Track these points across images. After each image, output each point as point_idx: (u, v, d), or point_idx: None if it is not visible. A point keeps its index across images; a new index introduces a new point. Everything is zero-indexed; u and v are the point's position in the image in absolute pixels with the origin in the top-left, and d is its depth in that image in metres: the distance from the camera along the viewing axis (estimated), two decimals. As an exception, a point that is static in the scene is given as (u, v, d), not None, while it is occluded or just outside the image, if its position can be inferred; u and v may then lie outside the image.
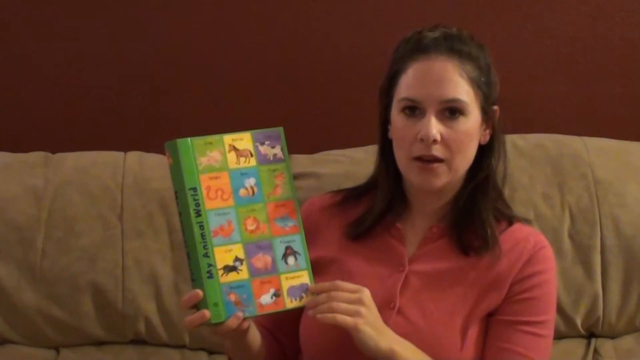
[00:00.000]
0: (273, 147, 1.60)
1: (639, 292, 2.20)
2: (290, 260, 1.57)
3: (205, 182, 1.53)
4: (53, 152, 2.30)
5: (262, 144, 1.59)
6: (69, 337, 2.17)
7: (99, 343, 2.19)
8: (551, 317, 1.68)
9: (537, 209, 2.19)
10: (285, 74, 2.48)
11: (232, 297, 1.52)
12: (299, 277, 1.57)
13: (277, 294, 1.54)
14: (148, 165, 2.24)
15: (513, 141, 2.26)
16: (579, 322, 2.20)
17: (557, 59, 2.51)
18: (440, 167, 1.64)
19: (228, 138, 1.57)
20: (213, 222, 1.53)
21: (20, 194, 2.19)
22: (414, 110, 1.64)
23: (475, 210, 1.69)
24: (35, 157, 2.27)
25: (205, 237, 1.52)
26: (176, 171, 1.53)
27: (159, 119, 2.46)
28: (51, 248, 2.15)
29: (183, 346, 2.20)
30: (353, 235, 1.73)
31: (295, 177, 2.26)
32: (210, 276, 1.51)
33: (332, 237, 1.75)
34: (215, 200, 1.53)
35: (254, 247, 1.54)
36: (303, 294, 1.57)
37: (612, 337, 2.23)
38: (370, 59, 2.43)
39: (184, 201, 1.52)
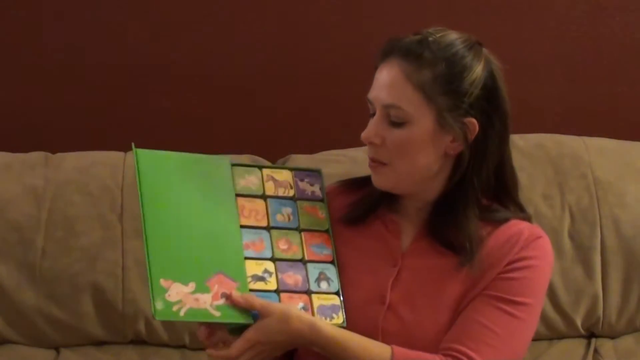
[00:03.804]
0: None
1: (639, 292, 2.20)
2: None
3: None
4: (53, 152, 2.30)
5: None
6: (69, 337, 2.17)
7: (99, 343, 2.19)
8: (533, 303, 1.64)
9: (537, 209, 2.19)
10: (285, 73, 2.48)
11: None
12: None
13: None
14: (148, 165, 2.24)
15: (513, 141, 2.24)
16: (579, 322, 2.20)
17: (557, 59, 2.51)
18: (384, 169, 1.66)
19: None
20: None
21: (20, 194, 2.19)
22: (373, 111, 1.68)
23: (453, 217, 1.67)
24: (35, 157, 2.27)
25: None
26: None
27: (158, 119, 2.46)
28: (51, 248, 2.15)
29: (183, 346, 2.20)
30: (348, 219, 1.74)
31: (295, 177, 2.28)
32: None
33: (331, 223, 1.75)
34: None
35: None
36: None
37: (612, 337, 2.23)
38: (370, 59, 2.42)
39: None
